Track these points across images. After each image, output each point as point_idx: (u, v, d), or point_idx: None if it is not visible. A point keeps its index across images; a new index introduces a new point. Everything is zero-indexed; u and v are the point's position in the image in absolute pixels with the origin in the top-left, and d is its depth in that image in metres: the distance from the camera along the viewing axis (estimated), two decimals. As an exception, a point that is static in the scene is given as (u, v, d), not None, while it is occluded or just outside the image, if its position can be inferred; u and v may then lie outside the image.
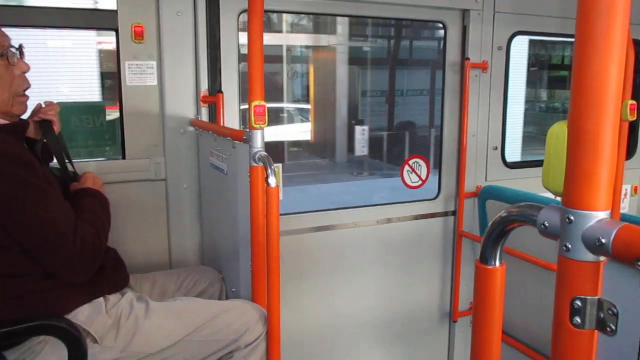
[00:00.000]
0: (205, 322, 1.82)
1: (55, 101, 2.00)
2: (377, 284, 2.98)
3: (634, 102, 2.48)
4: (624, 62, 0.73)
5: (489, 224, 0.93)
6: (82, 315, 1.68)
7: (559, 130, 0.79)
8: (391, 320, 3.05)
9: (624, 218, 2.50)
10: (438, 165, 3.08)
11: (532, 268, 2.39)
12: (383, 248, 2.96)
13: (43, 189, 1.60)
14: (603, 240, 0.72)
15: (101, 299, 1.76)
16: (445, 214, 3.09)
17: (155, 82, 2.45)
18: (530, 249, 2.39)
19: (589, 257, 0.76)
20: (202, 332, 1.81)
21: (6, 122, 1.71)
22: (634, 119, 2.51)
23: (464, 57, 2.93)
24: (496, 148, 3.09)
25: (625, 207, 3.39)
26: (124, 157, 2.48)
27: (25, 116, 1.87)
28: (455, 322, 3.16)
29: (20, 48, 1.76)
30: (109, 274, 1.84)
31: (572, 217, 0.76)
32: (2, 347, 1.63)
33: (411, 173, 3.05)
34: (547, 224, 0.81)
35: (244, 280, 2.05)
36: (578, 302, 0.77)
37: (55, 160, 1.99)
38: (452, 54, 2.96)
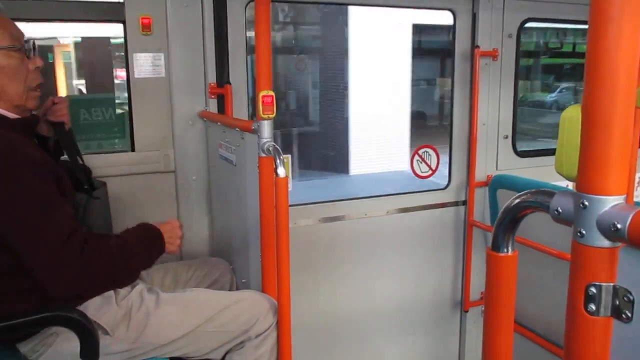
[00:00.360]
0: (215, 313, 1.82)
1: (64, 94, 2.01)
2: (388, 274, 2.97)
3: (648, 88, 2.44)
4: (639, 44, 0.71)
5: (501, 211, 0.92)
6: (92, 308, 1.69)
7: (572, 114, 0.77)
8: (402, 310, 3.04)
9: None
10: (448, 155, 3.06)
11: (544, 257, 2.37)
12: (394, 238, 2.95)
13: (44, 193, 1.57)
14: (619, 226, 0.71)
15: (111, 291, 1.76)
16: (455, 203, 3.07)
17: (163, 74, 2.44)
18: (541, 238, 2.37)
19: (604, 243, 0.74)
20: (212, 323, 1.81)
21: (17, 116, 1.71)
22: (648, 105, 2.47)
23: (473, 45, 2.89)
24: (507, 137, 3.06)
25: (638, 196, 3.35)
26: (133, 150, 2.49)
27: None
28: (466, 312, 3.15)
29: (33, 44, 1.76)
30: None
31: (586, 203, 0.74)
32: (14, 339, 1.65)
33: (421, 163, 3.03)
34: (560, 210, 0.80)
35: (254, 271, 2.05)
36: (593, 289, 0.76)
37: (65, 155, 2.00)
38: (462, 42, 2.93)
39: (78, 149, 2.04)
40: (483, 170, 3.01)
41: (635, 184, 3.12)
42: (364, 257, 2.89)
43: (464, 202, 3.06)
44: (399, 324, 3.06)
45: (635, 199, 3.12)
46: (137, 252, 1.75)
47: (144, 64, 2.40)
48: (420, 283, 3.07)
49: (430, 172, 3.07)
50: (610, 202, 0.73)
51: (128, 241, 1.73)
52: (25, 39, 1.73)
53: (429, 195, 3.05)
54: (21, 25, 1.75)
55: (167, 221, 1.90)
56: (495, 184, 2.84)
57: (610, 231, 0.72)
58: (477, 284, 3.10)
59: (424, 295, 3.09)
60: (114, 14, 2.36)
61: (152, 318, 1.75)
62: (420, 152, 3.07)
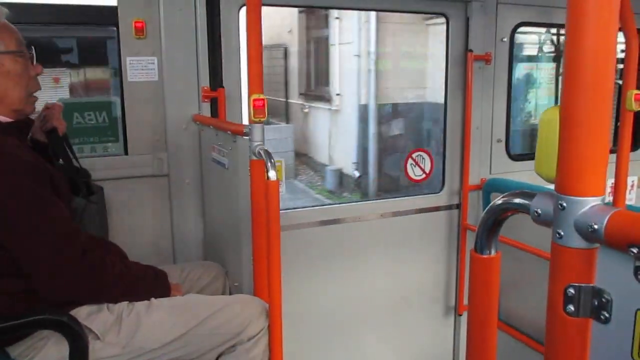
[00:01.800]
0: (206, 317, 1.82)
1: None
2: (382, 277, 2.97)
3: (639, 92, 2.45)
4: (615, 45, 0.72)
5: (483, 213, 0.92)
6: (84, 312, 1.69)
7: (551, 116, 0.78)
8: (396, 313, 3.04)
9: (630, 210, 2.47)
10: (442, 159, 3.07)
11: (531, 257, 2.37)
12: (387, 242, 2.95)
13: (38, 195, 1.58)
14: (595, 227, 0.71)
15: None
16: (449, 207, 3.07)
17: (156, 78, 2.45)
18: (529, 238, 2.38)
19: (582, 244, 0.75)
20: (203, 327, 1.81)
21: (10, 120, 1.72)
22: (639, 109, 2.48)
23: (466, 49, 2.90)
24: (500, 140, 3.07)
25: (632, 199, 3.36)
26: (126, 153, 2.49)
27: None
28: (460, 315, 3.15)
29: (35, 51, 1.78)
30: None
31: (564, 204, 0.75)
32: (4, 343, 1.64)
33: (415, 166, 3.04)
34: (539, 211, 0.80)
35: (246, 275, 2.05)
36: (572, 290, 0.76)
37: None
38: (455, 46, 2.94)
39: (73, 151, 2.04)
40: (477, 173, 3.02)
41: (629, 188, 3.13)
42: (358, 260, 2.89)
43: (458, 206, 3.07)
44: (393, 327, 3.06)
45: (628, 202, 3.14)
46: (142, 279, 1.84)
47: (137, 67, 2.41)
48: (414, 286, 3.07)
49: (424, 175, 3.08)
50: (587, 204, 0.74)
51: (136, 265, 1.84)
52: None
53: (423, 198, 3.05)
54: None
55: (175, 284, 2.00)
56: (489, 188, 2.85)
57: (587, 232, 0.73)
58: None
59: (418, 298, 3.09)
60: (107, 18, 2.37)
61: (143, 322, 1.75)
62: (414, 155, 3.08)
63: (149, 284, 1.86)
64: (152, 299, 1.83)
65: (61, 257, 1.57)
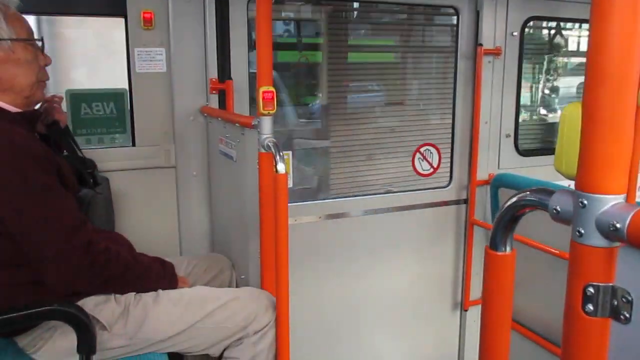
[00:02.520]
0: (213, 310, 1.82)
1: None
2: (389, 272, 2.96)
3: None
4: (639, 42, 0.70)
5: (499, 209, 0.91)
6: (91, 303, 1.69)
7: (572, 111, 0.76)
8: (402, 308, 3.04)
9: None
10: (450, 153, 3.05)
11: (544, 256, 2.36)
12: (395, 236, 2.94)
13: (46, 184, 1.59)
14: (617, 225, 0.70)
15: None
16: (457, 202, 3.05)
17: (164, 69, 2.43)
18: (542, 236, 2.36)
19: (603, 242, 0.73)
20: (210, 320, 1.81)
21: (19, 110, 1.72)
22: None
23: (476, 43, 2.88)
24: (509, 135, 3.05)
25: (641, 196, 3.33)
26: (134, 145, 2.48)
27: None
28: (466, 311, 3.14)
29: (42, 41, 1.80)
30: None
31: (585, 201, 0.73)
32: (12, 333, 1.65)
33: (422, 160, 3.02)
34: (559, 209, 0.79)
35: (253, 267, 2.05)
36: (591, 289, 0.75)
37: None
38: (465, 40, 2.91)
39: (77, 145, 2.04)
40: (485, 168, 3.00)
41: (638, 184, 3.10)
42: (364, 254, 2.88)
43: (465, 201, 3.05)
44: (399, 322, 3.05)
45: (637, 199, 3.11)
46: (149, 270, 1.83)
47: (145, 58, 2.39)
48: (420, 281, 3.06)
49: (432, 170, 3.06)
50: (609, 202, 0.72)
51: (143, 257, 1.85)
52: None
53: (430, 193, 3.03)
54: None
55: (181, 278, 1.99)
56: (497, 183, 2.82)
57: (609, 231, 0.71)
58: (477, 283, 3.09)
59: (424, 293, 3.08)
60: (116, 8, 2.35)
61: (150, 314, 1.75)
62: (422, 149, 3.06)
63: (156, 275, 1.86)
64: (160, 291, 1.83)
65: (68, 247, 1.57)
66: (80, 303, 1.65)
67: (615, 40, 0.69)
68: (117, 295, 1.75)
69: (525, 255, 2.44)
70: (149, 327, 1.74)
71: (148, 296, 1.79)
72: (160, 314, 1.77)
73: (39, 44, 1.78)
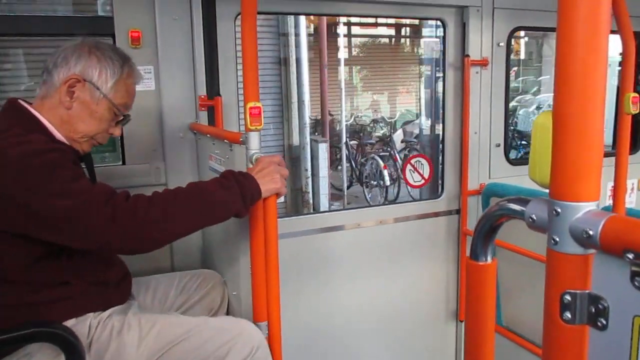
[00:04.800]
0: (180, 340, 1.74)
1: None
2: (382, 284, 2.95)
3: (637, 94, 2.45)
4: (607, 48, 0.71)
5: (478, 219, 0.92)
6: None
7: (544, 120, 0.77)
8: (397, 320, 3.03)
9: (630, 213, 2.46)
10: (441, 164, 3.06)
11: (530, 261, 2.36)
12: (387, 248, 2.94)
13: (77, 172, 1.59)
14: (590, 232, 0.71)
15: (90, 314, 1.72)
16: (449, 212, 3.06)
17: (153, 87, 2.44)
18: (531, 242, 2.37)
19: (577, 249, 0.74)
20: (177, 350, 1.73)
21: (64, 141, 1.75)
22: (637, 112, 2.47)
23: (463, 55, 2.90)
24: (499, 145, 3.07)
25: (632, 202, 3.35)
26: (124, 163, 2.48)
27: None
28: (462, 321, 3.13)
29: (127, 118, 1.90)
30: (110, 289, 1.83)
31: (559, 209, 0.74)
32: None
33: (413, 172, 3.03)
34: (534, 217, 0.79)
35: (244, 284, 2.04)
36: (568, 297, 0.75)
37: None
38: (452, 51, 2.94)
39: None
40: (475, 178, 3.01)
41: (629, 191, 3.12)
42: (357, 267, 2.88)
43: (458, 211, 3.06)
44: (394, 334, 3.04)
45: (628, 205, 3.13)
46: (206, 192, 1.67)
47: None
48: (415, 292, 3.05)
49: (422, 181, 3.07)
50: (582, 209, 0.73)
51: (187, 186, 1.72)
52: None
53: (422, 204, 3.04)
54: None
55: (258, 160, 1.79)
56: (488, 193, 2.83)
57: (582, 238, 0.72)
58: None
59: (419, 304, 3.08)
60: (104, 28, 2.37)
61: (112, 344, 1.69)
62: (412, 161, 3.07)
63: (217, 184, 1.70)
64: (128, 317, 1.75)
65: (107, 211, 1.50)
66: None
67: (580, 50, 0.70)
68: (93, 321, 1.71)
69: (514, 262, 2.46)
70: (114, 355, 1.69)
71: (116, 322, 1.73)
72: (123, 344, 1.70)
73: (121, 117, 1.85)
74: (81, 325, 1.69)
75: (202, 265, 2.59)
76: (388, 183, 8.37)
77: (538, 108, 10.65)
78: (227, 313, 2.25)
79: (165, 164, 2.50)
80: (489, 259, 0.93)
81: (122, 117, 1.87)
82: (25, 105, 1.72)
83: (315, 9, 2.75)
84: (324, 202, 7.33)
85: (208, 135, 2.28)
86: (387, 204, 2.93)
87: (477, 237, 0.92)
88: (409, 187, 7.48)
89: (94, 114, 1.76)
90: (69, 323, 1.67)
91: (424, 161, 3.04)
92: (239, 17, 2.45)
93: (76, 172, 1.61)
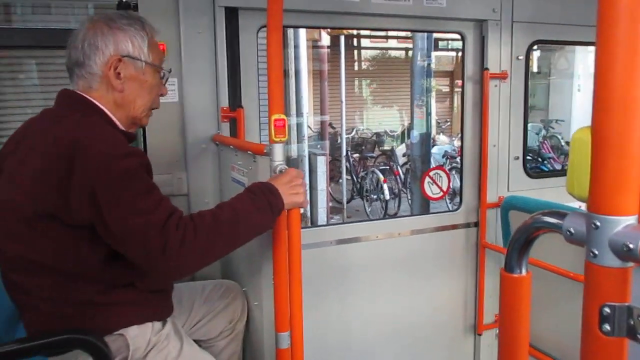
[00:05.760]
0: None
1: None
2: (400, 296, 2.95)
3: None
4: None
5: (514, 232, 0.92)
6: (129, 334, 1.68)
7: (582, 135, 0.78)
8: (415, 333, 3.02)
9: None
10: (459, 177, 3.06)
11: (558, 279, 2.35)
12: (405, 261, 2.94)
13: (149, 184, 1.59)
14: (631, 246, 0.71)
15: (150, 324, 1.73)
16: (467, 225, 3.06)
17: (176, 99, 2.48)
18: (554, 259, 2.36)
19: (617, 263, 0.74)
20: None
21: (122, 129, 1.76)
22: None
23: (483, 68, 2.92)
24: (517, 158, 3.07)
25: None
26: (147, 173, 2.51)
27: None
28: (480, 335, 3.12)
29: (168, 72, 1.91)
30: (166, 298, 1.84)
31: (598, 223, 0.75)
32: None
33: (432, 184, 3.04)
34: (572, 230, 0.80)
35: (266, 294, 2.05)
36: (607, 309, 0.76)
37: None
38: (471, 65, 2.96)
39: None
40: (494, 191, 3.01)
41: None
42: (375, 279, 2.88)
43: (476, 224, 3.06)
44: (412, 347, 3.03)
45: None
46: (245, 217, 1.66)
47: None
48: (433, 305, 3.04)
49: (441, 193, 3.08)
50: (622, 223, 0.74)
51: (224, 208, 1.68)
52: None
53: (440, 217, 3.05)
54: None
55: (285, 171, 1.80)
56: (507, 205, 2.83)
57: (622, 251, 0.72)
58: (490, 307, 3.07)
59: (437, 317, 3.07)
60: None
61: None
62: (431, 173, 3.08)
63: (250, 203, 1.69)
64: (184, 343, 1.78)
65: (164, 234, 1.48)
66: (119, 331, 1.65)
67: (620, 63, 0.71)
68: (152, 334, 1.72)
69: (540, 279, 2.44)
70: None
71: (174, 346, 1.76)
72: None
73: (164, 74, 1.87)
74: (142, 334, 1.70)
75: (222, 276, 2.61)
76: (388, 197, 8.25)
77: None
78: (247, 323, 2.26)
79: (188, 174, 2.53)
80: (524, 271, 0.94)
81: (166, 75, 1.89)
82: (80, 92, 1.71)
83: (336, 22, 2.78)
84: (322, 215, 7.26)
85: (231, 147, 2.31)
86: (406, 216, 2.93)
87: (512, 250, 0.93)
88: (409, 202, 7.41)
89: (144, 85, 1.77)
90: (132, 331, 1.68)
91: (442, 173, 3.05)
92: (262, 29, 2.49)
93: (148, 183, 1.60)
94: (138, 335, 1.69)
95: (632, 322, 0.74)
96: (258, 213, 1.69)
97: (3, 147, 1.75)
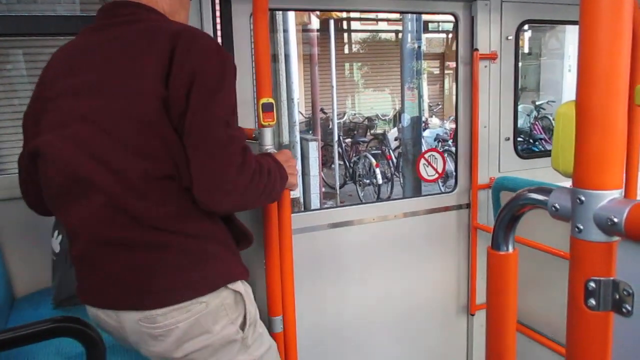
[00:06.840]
0: None
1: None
2: (393, 278, 2.97)
3: (647, 86, 2.44)
4: (630, 36, 0.71)
5: (499, 209, 0.92)
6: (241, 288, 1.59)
7: (567, 110, 0.78)
8: (409, 314, 3.04)
9: None
10: (454, 159, 3.07)
11: (545, 257, 2.37)
12: (398, 243, 2.95)
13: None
14: (615, 220, 0.71)
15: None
16: (459, 207, 3.07)
17: None
18: (541, 237, 2.37)
19: (602, 237, 0.74)
20: None
21: None
22: (648, 103, 2.46)
23: (473, 49, 2.90)
24: (508, 139, 3.07)
25: (643, 195, 3.34)
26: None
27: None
28: (473, 315, 3.14)
29: None
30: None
31: (582, 198, 0.75)
32: None
33: (427, 166, 3.04)
34: (557, 206, 0.80)
35: (259, 279, 2.05)
36: (592, 284, 0.76)
37: None
38: (464, 46, 2.94)
39: None
40: (485, 172, 3.01)
41: (639, 180, 3.11)
42: (370, 261, 2.89)
43: (468, 205, 3.06)
44: (406, 328, 3.05)
45: (638, 197, 3.12)
46: (272, 178, 1.59)
47: None
48: (426, 287, 3.06)
49: (436, 175, 3.08)
50: (606, 197, 0.74)
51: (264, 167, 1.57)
52: None
53: (433, 199, 3.05)
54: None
55: (280, 151, 1.78)
56: (498, 186, 2.84)
57: (607, 225, 0.72)
58: (482, 287, 3.09)
59: (430, 298, 3.09)
60: None
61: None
62: (426, 155, 3.08)
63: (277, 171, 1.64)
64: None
65: (237, 167, 1.41)
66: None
67: (603, 39, 0.71)
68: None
69: (526, 257, 2.46)
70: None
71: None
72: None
73: None
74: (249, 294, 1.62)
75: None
76: (380, 182, 8.24)
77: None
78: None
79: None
80: (511, 248, 0.94)
81: None
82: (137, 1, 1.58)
83: (325, 4, 2.75)
84: (315, 201, 7.27)
85: None
86: (398, 198, 2.93)
87: (499, 227, 0.93)
88: (402, 186, 7.42)
89: (184, 3, 1.73)
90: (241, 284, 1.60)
91: (437, 155, 3.05)
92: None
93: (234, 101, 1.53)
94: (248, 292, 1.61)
95: (617, 296, 0.75)
96: (281, 180, 1.64)
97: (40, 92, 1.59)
